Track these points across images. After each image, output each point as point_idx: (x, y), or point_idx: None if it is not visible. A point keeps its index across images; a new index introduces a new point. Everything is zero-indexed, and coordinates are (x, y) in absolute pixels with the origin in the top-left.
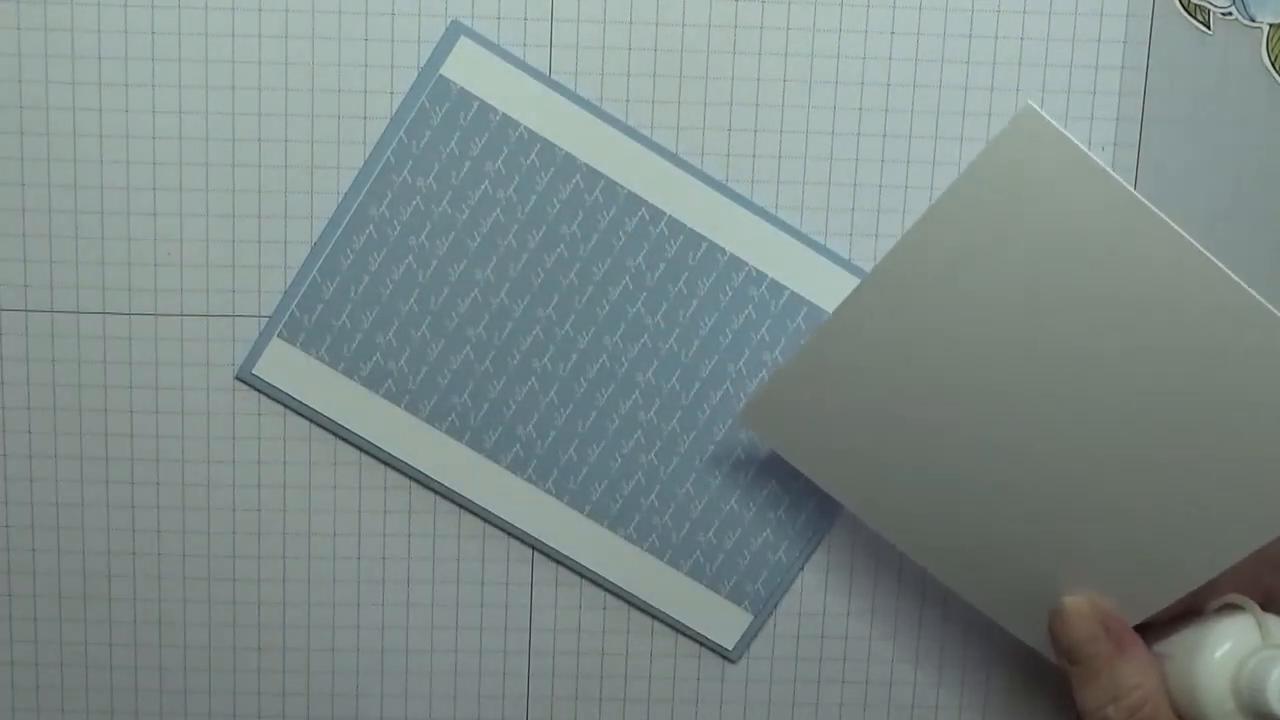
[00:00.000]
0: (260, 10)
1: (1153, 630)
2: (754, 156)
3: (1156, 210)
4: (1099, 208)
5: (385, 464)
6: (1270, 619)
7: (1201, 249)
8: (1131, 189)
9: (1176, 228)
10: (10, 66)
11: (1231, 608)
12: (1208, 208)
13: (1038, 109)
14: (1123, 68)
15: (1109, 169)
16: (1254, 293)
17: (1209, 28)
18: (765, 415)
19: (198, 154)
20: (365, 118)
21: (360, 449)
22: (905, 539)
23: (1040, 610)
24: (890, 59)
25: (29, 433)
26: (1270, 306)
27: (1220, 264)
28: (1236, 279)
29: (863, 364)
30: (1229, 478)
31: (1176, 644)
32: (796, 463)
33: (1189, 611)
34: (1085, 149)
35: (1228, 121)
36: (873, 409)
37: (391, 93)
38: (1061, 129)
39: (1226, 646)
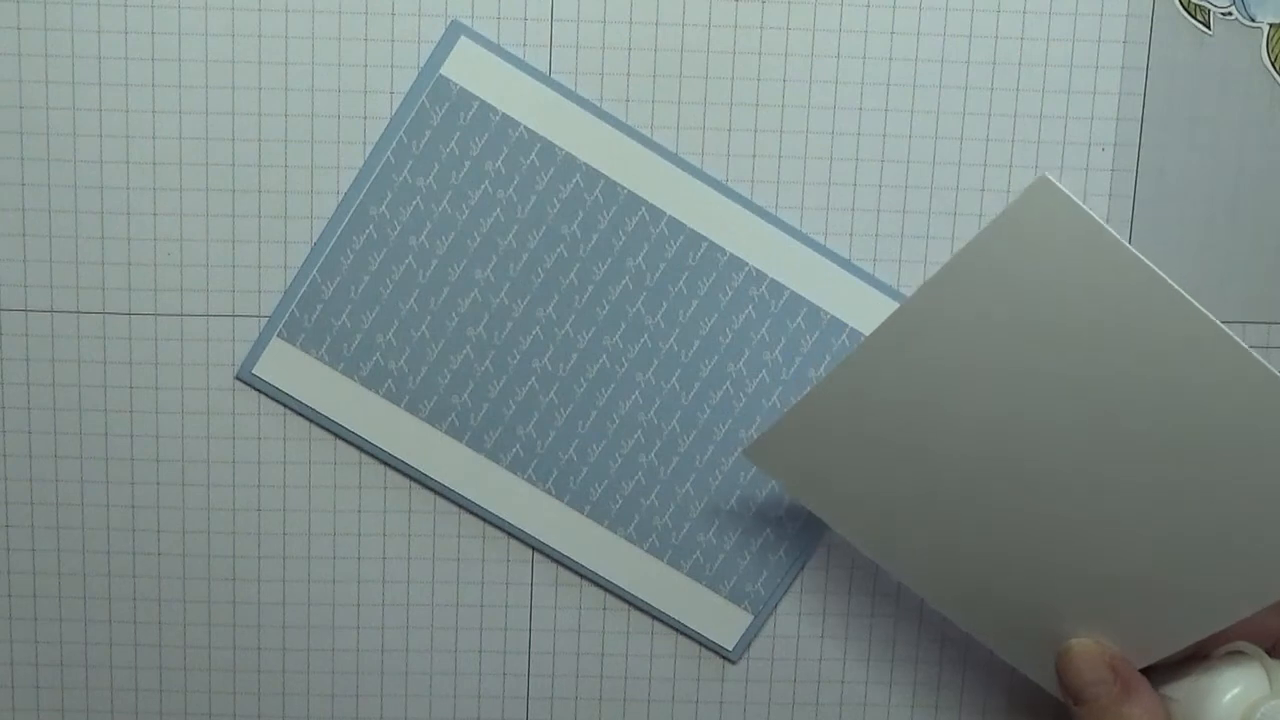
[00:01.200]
0: (260, 10)
1: (1158, 673)
2: (754, 156)
3: (1169, 280)
4: (1112, 278)
5: (385, 464)
6: (1278, 667)
7: (1215, 319)
8: (1144, 259)
9: (1190, 299)
10: (10, 66)
11: (1239, 653)
12: (1208, 208)
13: (1053, 180)
14: (1123, 68)
15: (1123, 240)
16: (1265, 363)
17: (1209, 28)
18: (773, 453)
19: (198, 154)
20: (365, 117)
21: (360, 449)
22: (913, 576)
23: (1047, 649)
24: (890, 59)
25: (29, 433)
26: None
27: (1232, 333)
28: (1247, 348)
29: (872, 410)
30: (1242, 534)
31: (1183, 688)
32: (803, 499)
33: (1195, 655)
34: (1100, 220)
35: (1228, 121)
36: (881, 453)
37: (391, 92)
38: (1076, 199)
39: (1235, 691)
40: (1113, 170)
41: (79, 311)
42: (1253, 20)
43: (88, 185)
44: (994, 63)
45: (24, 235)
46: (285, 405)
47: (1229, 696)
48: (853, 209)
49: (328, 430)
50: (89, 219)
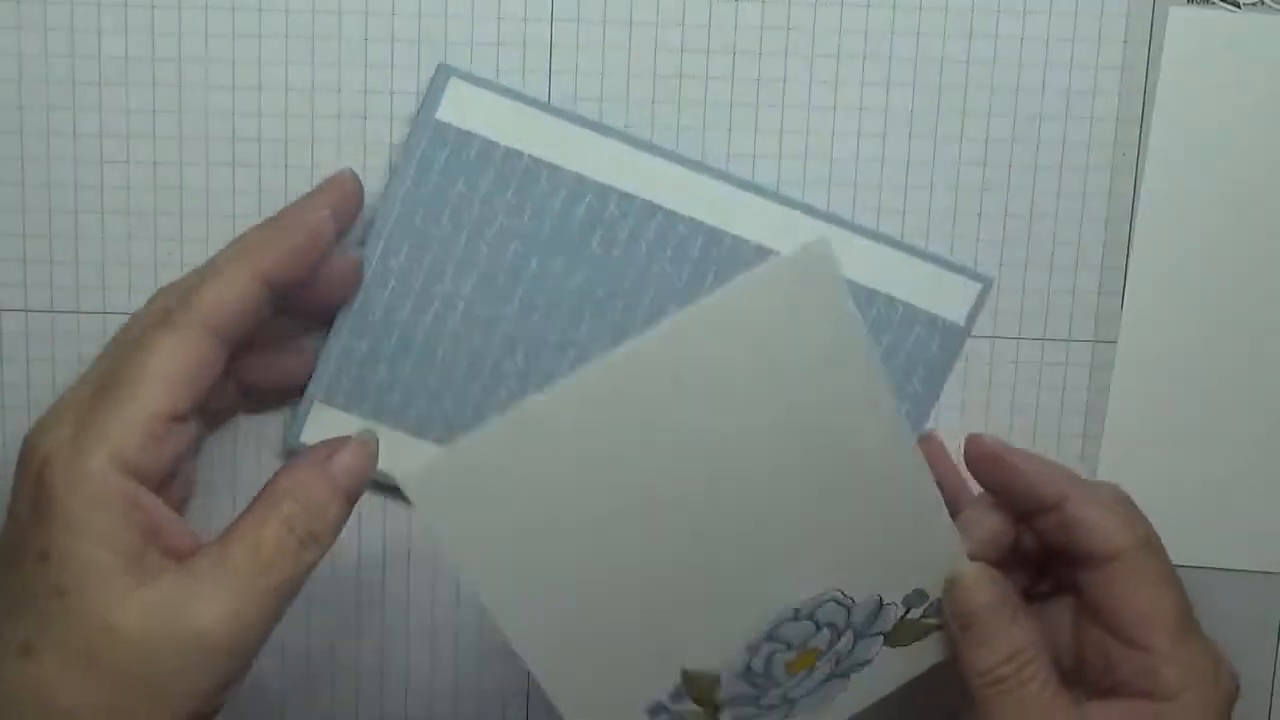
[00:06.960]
0: (260, 10)
1: None
2: (754, 157)
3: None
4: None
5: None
6: None
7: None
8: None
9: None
10: (10, 66)
11: None
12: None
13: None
14: (1122, 68)
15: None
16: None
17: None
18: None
19: (198, 154)
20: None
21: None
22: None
23: None
24: (890, 59)
25: None
26: None
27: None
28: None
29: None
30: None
31: None
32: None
33: None
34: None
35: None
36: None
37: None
38: (839, 275)
39: None
40: (1112, 169)
41: (79, 311)
42: None
43: (88, 185)
44: (994, 62)
45: (24, 235)
46: None
47: None
48: (853, 210)
49: (378, 483)
50: (89, 219)
